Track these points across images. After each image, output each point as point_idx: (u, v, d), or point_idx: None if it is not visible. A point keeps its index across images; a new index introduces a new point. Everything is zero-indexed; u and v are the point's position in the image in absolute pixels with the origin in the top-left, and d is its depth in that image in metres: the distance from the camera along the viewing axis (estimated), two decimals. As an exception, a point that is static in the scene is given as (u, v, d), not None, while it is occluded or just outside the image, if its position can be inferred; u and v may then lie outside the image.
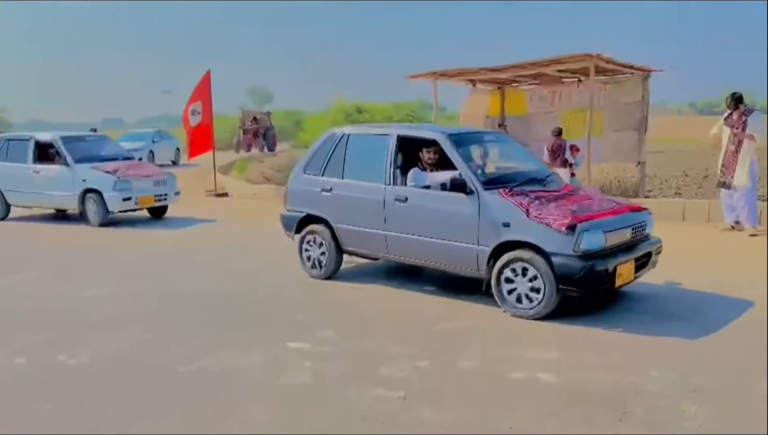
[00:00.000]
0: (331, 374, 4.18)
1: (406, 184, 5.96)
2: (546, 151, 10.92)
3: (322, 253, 6.62)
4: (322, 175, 6.50)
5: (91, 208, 10.52)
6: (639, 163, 12.17)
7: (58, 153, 10.74)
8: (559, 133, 11.07)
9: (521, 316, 5.26)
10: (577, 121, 12.27)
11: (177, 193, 11.26)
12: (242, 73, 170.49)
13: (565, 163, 10.83)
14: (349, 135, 6.52)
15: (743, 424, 3.45)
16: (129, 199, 10.41)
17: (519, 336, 4.87)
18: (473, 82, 13.65)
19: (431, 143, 6.00)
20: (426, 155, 6.07)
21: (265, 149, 25.92)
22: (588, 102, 10.93)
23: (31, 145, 11.00)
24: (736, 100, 8.99)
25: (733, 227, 8.99)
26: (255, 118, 26.85)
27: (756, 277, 6.47)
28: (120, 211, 10.61)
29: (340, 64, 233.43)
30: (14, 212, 11.76)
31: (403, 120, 24.47)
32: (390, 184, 5.99)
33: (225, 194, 14.44)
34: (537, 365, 4.24)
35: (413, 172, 5.99)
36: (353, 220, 6.29)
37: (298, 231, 6.81)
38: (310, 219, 6.67)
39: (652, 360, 4.35)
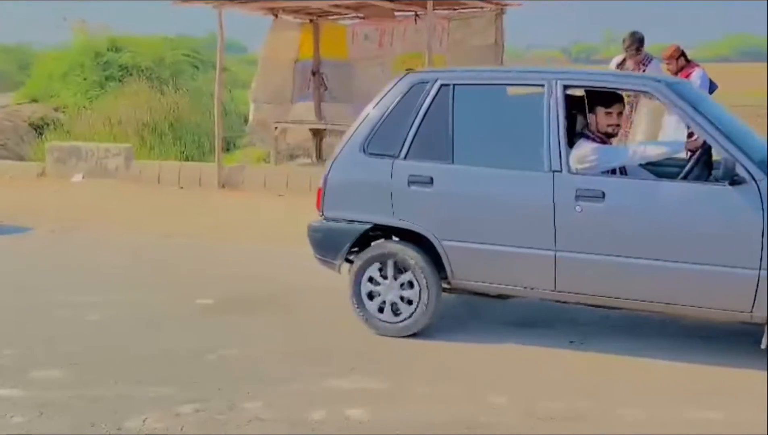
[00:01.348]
0: None
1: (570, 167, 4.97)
2: None
3: (407, 292, 5.27)
4: (406, 156, 5.23)
5: None
6: (494, 125, 12.88)
7: None
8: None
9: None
10: (413, 68, 12.70)
11: None
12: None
13: None
14: (454, 85, 5.25)
15: None
16: None
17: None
18: (275, 12, 13.61)
19: (617, 98, 5.25)
20: (605, 118, 5.22)
21: None
22: (426, 44, 11.32)
23: None
24: (638, 41, 9.35)
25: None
26: None
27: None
28: None
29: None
30: None
31: (181, 62, 23.88)
32: (560, 171, 4.90)
33: None
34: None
35: (589, 147, 5.10)
36: (482, 234, 5.11)
37: (351, 254, 5.51)
38: (377, 233, 5.46)
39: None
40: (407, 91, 5.29)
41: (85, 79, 21.47)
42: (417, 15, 13.00)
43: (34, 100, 22.16)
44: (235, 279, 6.96)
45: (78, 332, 5.68)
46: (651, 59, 9.46)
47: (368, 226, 5.30)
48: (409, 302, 5.22)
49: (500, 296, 5.50)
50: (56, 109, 20.21)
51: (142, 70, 21.38)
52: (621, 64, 9.59)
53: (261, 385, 4.67)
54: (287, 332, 5.67)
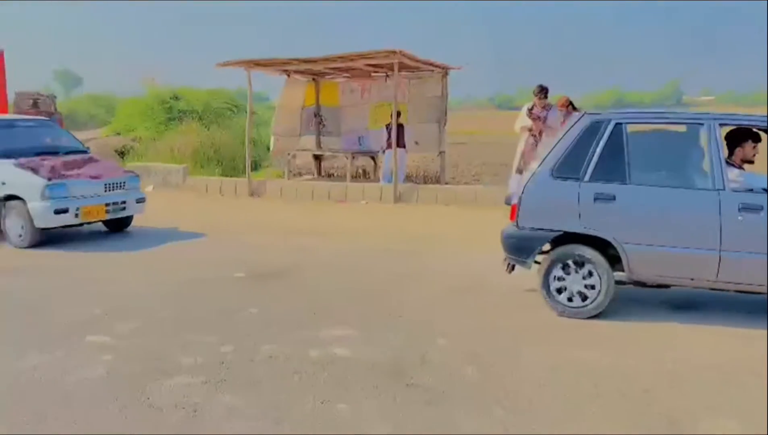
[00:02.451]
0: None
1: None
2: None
3: (589, 285, 5.02)
4: (590, 179, 4.91)
5: (12, 223, 7.53)
6: (440, 153, 12.94)
7: None
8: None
9: None
10: (384, 113, 12.74)
11: (141, 201, 8.36)
12: (46, 55, 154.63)
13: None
14: (622, 124, 4.95)
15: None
16: (65, 210, 7.39)
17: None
18: (288, 72, 13.61)
19: (758, 135, 5.00)
20: (750, 150, 5.04)
21: None
22: (393, 96, 11.36)
23: None
24: (544, 90, 9.44)
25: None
26: (35, 102, 22.99)
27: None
28: (54, 228, 7.61)
29: (153, 48, 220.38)
30: None
31: (222, 108, 23.75)
32: (723, 189, 4.69)
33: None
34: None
35: (736, 172, 4.87)
36: (657, 238, 4.80)
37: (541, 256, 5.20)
38: (563, 239, 5.08)
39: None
40: (586, 128, 5.00)
41: (154, 119, 21.36)
42: (387, 75, 13.05)
43: (118, 134, 22.04)
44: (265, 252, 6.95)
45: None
46: (551, 106, 9.50)
47: (558, 233, 5.03)
48: (592, 287, 4.99)
49: (661, 286, 5.17)
50: (133, 140, 20.09)
51: (194, 113, 21.28)
52: (531, 109, 9.55)
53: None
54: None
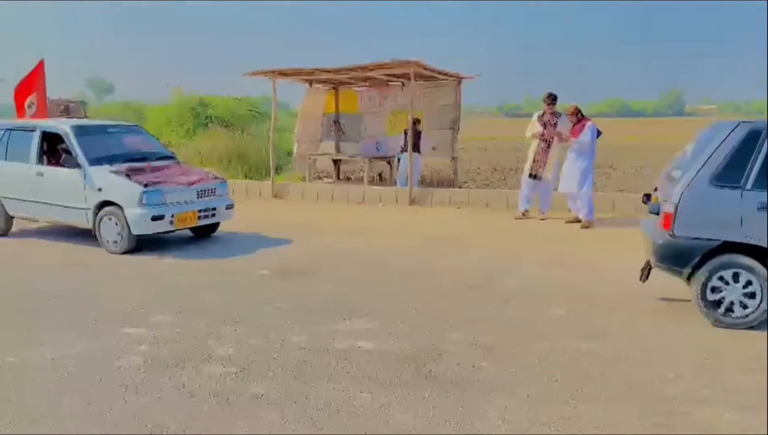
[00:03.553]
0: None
1: None
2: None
3: (749, 293, 4.66)
4: (752, 187, 4.52)
5: (108, 229, 7.31)
6: (453, 158, 12.94)
7: (67, 149, 7.66)
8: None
9: None
10: (401, 120, 12.76)
11: (230, 207, 8.02)
12: (80, 63, 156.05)
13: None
14: None
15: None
16: (161, 217, 7.15)
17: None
18: (310, 81, 13.69)
19: None
20: None
21: None
22: (409, 104, 11.37)
23: (36, 138, 7.91)
24: (553, 97, 9.47)
25: (523, 214, 9.72)
26: (66, 108, 22.59)
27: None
28: (150, 234, 7.37)
29: (182, 56, 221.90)
30: (19, 225, 8.69)
31: (247, 115, 23.90)
32: None
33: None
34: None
35: None
36: None
37: (698, 266, 4.75)
38: (719, 249, 4.69)
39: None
40: (745, 137, 4.62)
41: (182, 125, 21.50)
42: (403, 84, 13.08)
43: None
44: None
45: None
46: (561, 114, 9.51)
47: (718, 243, 4.65)
48: (752, 296, 4.65)
49: None
50: (163, 145, 20.18)
51: (221, 120, 21.43)
52: (541, 116, 9.56)
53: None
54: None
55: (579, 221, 9.13)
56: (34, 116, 12.84)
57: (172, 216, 7.25)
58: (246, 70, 12.33)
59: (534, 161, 9.56)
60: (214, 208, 7.73)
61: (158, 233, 7.41)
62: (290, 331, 4.54)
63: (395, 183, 12.39)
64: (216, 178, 8.06)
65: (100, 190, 7.30)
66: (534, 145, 9.60)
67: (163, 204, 7.21)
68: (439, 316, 4.96)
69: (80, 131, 7.74)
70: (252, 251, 7.32)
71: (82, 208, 7.44)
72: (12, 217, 8.35)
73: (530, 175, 9.62)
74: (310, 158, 13.70)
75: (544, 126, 9.47)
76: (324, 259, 6.89)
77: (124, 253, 7.22)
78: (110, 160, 7.57)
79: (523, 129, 10.07)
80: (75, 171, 7.44)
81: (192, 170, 8.22)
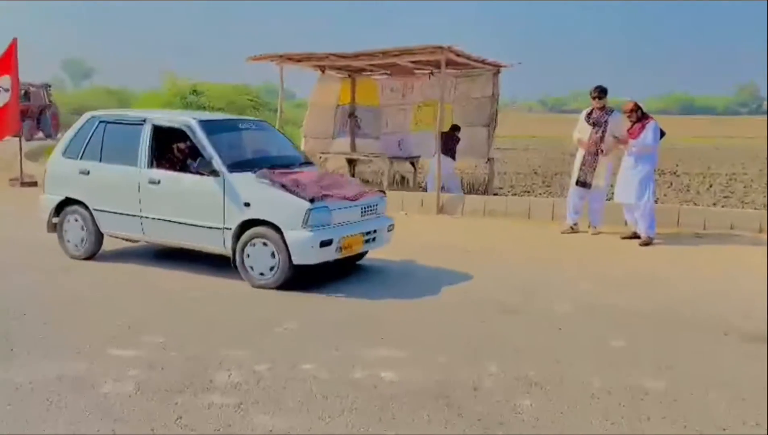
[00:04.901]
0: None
1: None
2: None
3: None
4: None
5: (258, 257, 6.55)
6: (489, 159, 12.99)
7: (193, 150, 7.09)
8: None
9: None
10: (428, 114, 12.86)
11: (391, 228, 7.38)
12: (55, 43, 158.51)
13: None
14: None
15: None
16: (329, 242, 6.44)
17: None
18: (322, 68, 13.83)
19: None
20: None
21: (41, 134, 22.96)
22: (439, 95, 11.43)
23: (146, 134, 7.23)
24: (602, 94, 9.47)
25: (571, 228, 9.70)
26: (26, 93, 22.82)
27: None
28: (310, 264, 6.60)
29: (172, 40, 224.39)
30: (112, 244, 7.90)
31: (245, 106, 24.18)
32: None
33: (34, 183, 13.54)
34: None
35: None
36: None
37: None
38: None
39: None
40: None
41: (172, 115, 21.75)
42: (431, 72, 13.17)
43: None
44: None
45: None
46: (613, 111, 9.48)
47: None
48: None
49: None
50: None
51: (216, 110, 21.67)
52: (589, 115, 9.54)
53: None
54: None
55: (637, 237, 9.13)
56: (6, 102, 13.24)
57: (340, 241, 6.53)
58: (248, 55, 12.50)
59: (582, 165, 9.57)
60: (375, 230, 7.05)
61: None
62: (301, 357, 4.60)
63: (421, 187, 12.45)
64: (377, 192, 7.53)
65: (247, 205, 6.55)
66: (582, 149, 9.59)
67: (329, 225, 6.51)
68: (475, 343, 4.99)
69: (209, 127, 7.09)
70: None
71: (218, 228, 6.70)
72: (102, 236, 7.58)
73: (578, 183, 9.62)
74: (321, 157, 13.82)
75: (593, 126, 9.47)
76: (341, 272, 6.96)
77: (278, 287, 6.47)
78: (250, 165, 6.90)
79: (569, 126, 10.09)
80: (209, 179, 6.70)
81: (347, 180, 7.79)
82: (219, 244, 6.76)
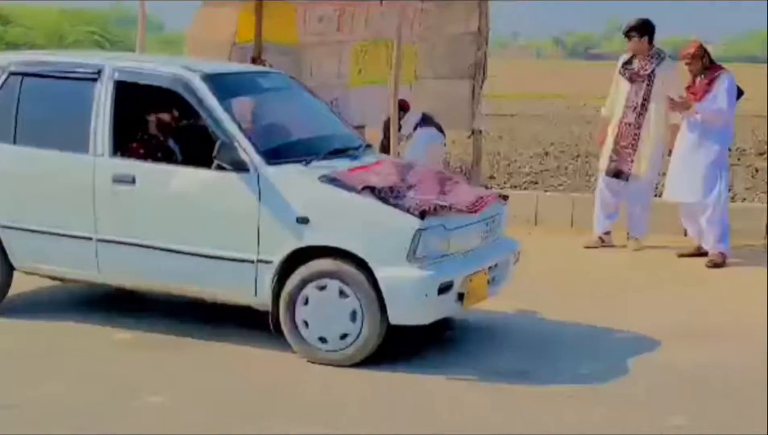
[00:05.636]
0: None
1: None
2: None
3: None
4: None
5: (321, 311, 6.21)
6: (473, 132, 13.06)
7: (193, 127, 7.10)
8: None
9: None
10: (377, 59, 12.89)
11: (517, 257, 7.27)
12: None
13: None
14: None
15: None
16: (449, 286, 6.11)
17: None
18: (209, -15, 13.76)
19: None
20: None
21: None
22: (394, 30, 11.43)
23: (106, 98, 6.78)
24: (643, 30, 9.61)
25: (601, 240, 9.96)
26: None
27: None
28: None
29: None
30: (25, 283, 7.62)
31: (84, 40, 23.94)
32: None
33: None
34: None
35: None
36: None
37: None
38: None
39: None
40: None
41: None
42: (382, -5, 13.20)
43: None
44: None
45: None
46: (663, 57, 9.65)
47: None
48: None
49: None
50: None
51: (34, 46, 21.36)
52: (626, 65, 9.74)
53: None
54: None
55: (703, 254, 9.36)
56: None
57: (463, 282, 6.22)
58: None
59: (616, 146, 9.71)
60: (498, 263, 6.87)
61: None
62: None
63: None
64: (500, 196, 7.42)
65: (302, 221, 6.16)
66: (617, 117, 9.77)
67: (445, 255, 6.21)
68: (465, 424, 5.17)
69: (222, 86, 6.75)
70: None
71: (248, 262, 6.31)
72: (11, 273, 7.20)
73: (609, 172, 9.78)
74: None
75: (631, 81, 9.63)
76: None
77: (352, 364, 6.16)
78: (294, 152, 6.70)
79: (599, 78, 10.21)
80: (230, 177, 6.35)
81: (445, 176, 7.44)
82: (247, 290, 6.33)
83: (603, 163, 9.94)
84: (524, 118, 25.96)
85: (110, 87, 6.74)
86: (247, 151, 6.26)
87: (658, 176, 10.06)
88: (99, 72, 6.82)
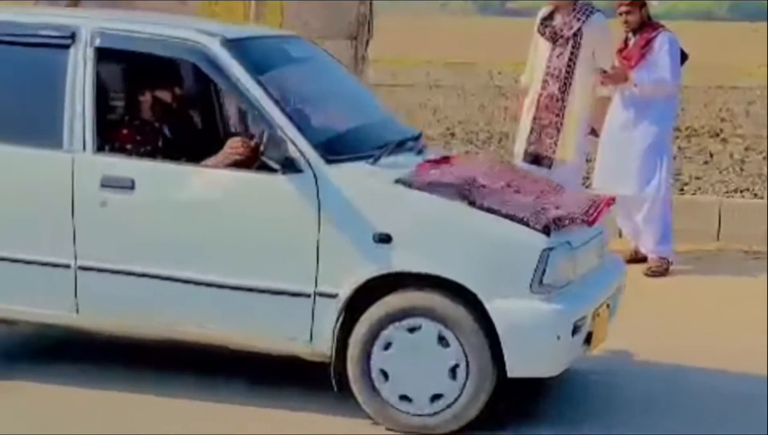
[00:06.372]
0: None
1: None
2: None
3: None
4: None
5: (404, 365, 5.80)
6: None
7: (217, 111, 7.12)
8: None
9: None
10: (229, 13, 12.73)
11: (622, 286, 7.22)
12: None
13: None
14: None
15: None
16: (581, 324, 5.88)
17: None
18: None
19: None
20: None
21: None
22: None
23: (84, 71, 6.28)
24: None
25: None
26: None
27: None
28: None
29: None
30: None
31: None
32: None
33: None
34: None
35: None
36: None
37: None
38: None
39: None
40: None
41: None
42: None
43: None
44: None
45: None
46: (591, 12, 9.49)
47: None
48: None
49: None
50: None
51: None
52: (547, 18, 9.63)
53: None
54: None
55: (642, 260, 9.48)
56: None
57: (591, 319, 5.94)
58: None
59: (535, 125, 9.65)
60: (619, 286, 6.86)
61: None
62: None
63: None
64: (610, 200, 7.11)
65: (384, 239, 5.76)
66: (534, 88, 9.73)
67: (571, 282, 5.91)
68: None
69: (252, 55, 6.41)
70: None
71: (302, 296, 5.86)
72: None
73: (527, 158, 9.68)
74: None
75: (552, 41, 9.58)
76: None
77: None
78: (353, 146, 6.29)
79: (517, 39, 10.20)
80: (277, 180, 5.90)
81: (532, 176, 7.47)
82: (297, 333, 5.85)
83: (519, 146, 9.82)
84: (424, 90, 26.19)
85: (89, 56, 6.18)
86: (298, 146, 5.77)
87: (584, 163, 9.98)
88: (74, 36, 6.25)
